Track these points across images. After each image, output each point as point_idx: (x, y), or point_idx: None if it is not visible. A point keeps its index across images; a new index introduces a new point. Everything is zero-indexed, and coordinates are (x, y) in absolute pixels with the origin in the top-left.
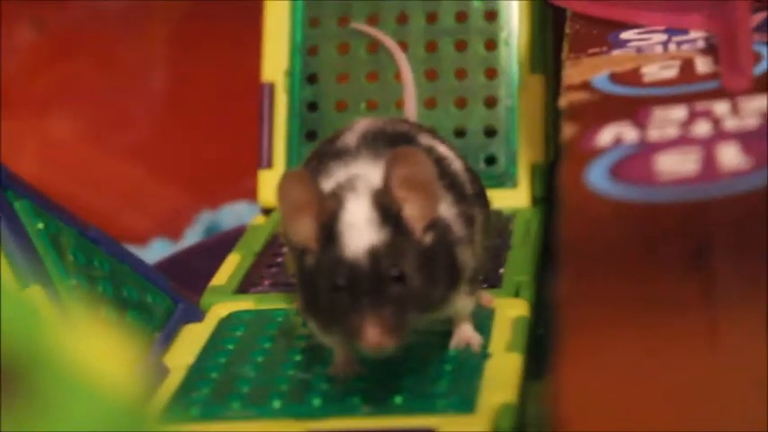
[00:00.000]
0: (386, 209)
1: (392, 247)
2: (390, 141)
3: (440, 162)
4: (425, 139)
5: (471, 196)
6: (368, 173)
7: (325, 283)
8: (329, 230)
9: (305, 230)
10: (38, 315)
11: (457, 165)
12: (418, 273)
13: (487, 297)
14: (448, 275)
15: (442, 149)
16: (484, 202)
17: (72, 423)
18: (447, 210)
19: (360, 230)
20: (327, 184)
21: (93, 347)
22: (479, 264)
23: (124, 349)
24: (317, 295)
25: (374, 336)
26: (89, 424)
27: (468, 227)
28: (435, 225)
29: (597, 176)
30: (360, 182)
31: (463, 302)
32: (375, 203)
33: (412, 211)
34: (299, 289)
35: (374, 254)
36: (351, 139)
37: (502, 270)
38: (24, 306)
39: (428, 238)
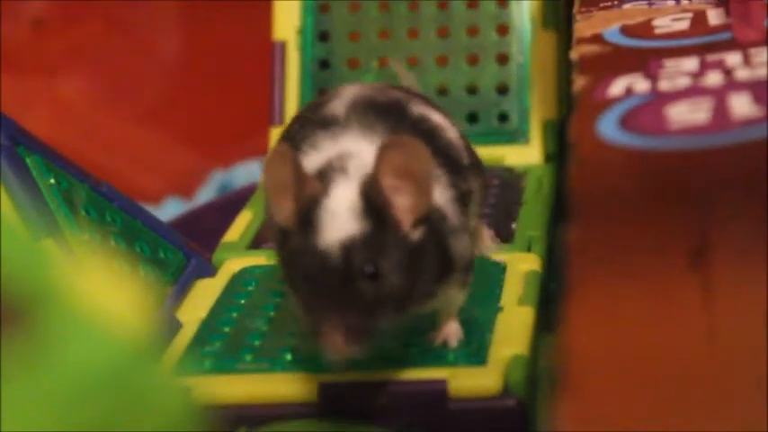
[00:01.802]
0: (373, 199)
1: (371, 240)
2: (382, 111)
3: (434, 132)
4: (418, 107)
5: (468, 167)
6: (360, 150)
7: (300, 270)
8: (308, 215)
9: (286, 211)
10: (47, 256)
11: (452, 133)
12: (398, 270)
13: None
14: (436, 271)
15: (437, 118)
16: (480, 170)
17: (78, 360)
18: (442, 193)
19: (338, 219)
20: (315, 158)
21: (103, 290)
22: (474, 247)
23: (136, 295)
24: (295, 280)
25: (335, 345)
26: (96, 362)
27: (465, 209)
28: (427, 218)
29: (609, 127)
30: (351, 162)
31: (454, 296)
32: (362, 191)
33: (402, 204)
34: (283, 266)
35: (348, 246)
36: (338, 107)
37: (514, 225)
38: (34, 248)
39: (417, 234)
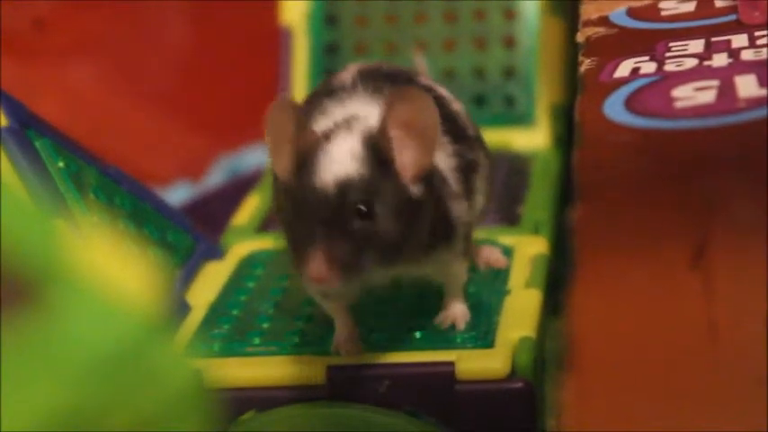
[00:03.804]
0: (375, 148)
1: (368, 182)
2: (389, 77)
3: (440, 101)
4: (424, 80)
5: (473, 139)
6: (367, 114)
7: (293, 207)
8: (306, 160)
9: (285, 161)
10: (58, 234)
11: (457, 106)
12: (392, 216)
13: (497, 256)
14: (433, 230)
15: (441, 90)
16: (484, 145)
17: (89, 337)
18: (445, 160)
19: (337, 161)
20: (322, 123)
21: (114, 269)
22: (477, 217)
23: (146, 274)
24: (288, 218)
25: (317, 272)
26: (106, 339)
27: (471, 178)
28: (427, 176)
29: (615, 107)
30: (356, 122)
31: (454, 267)
32: (365, 140)
33: (405, 157)
34: (280, 220)
35: (344, 184)
36: (346, 77)
37: (521, 208)
38: (45, 227)
39: (417, 189)
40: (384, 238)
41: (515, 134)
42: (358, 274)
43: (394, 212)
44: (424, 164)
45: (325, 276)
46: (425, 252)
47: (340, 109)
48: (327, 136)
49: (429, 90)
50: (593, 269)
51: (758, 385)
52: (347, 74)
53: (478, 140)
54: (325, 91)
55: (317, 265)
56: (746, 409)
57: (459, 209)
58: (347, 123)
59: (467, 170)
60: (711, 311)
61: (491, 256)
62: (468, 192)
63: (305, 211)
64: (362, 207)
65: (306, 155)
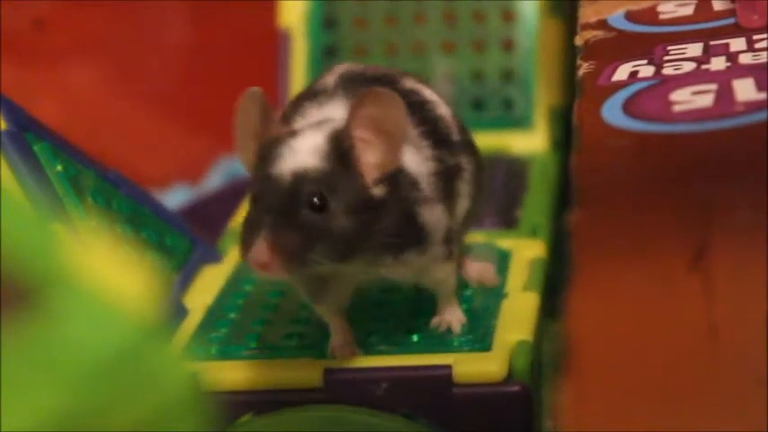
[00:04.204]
0: (339, 146)
1: (326, 177)
2: (371, 82)
3: (423, 105)
4: (409, 83)
5: (458, 143)
6: (342, 117)
7: (250, 200)
8: (269, 152)
9: (250, 152)
10: (56, 238)
11: (443, 110)
12: (349, 214)
13: (490, 274)
14: (403, 233)
15: (428, 93)
16: (473, 150)
17: (88, 340)
18: (422, 163)
19: (298, 154)
20: (300, 124)
21: (112, 272)
22: (463, 220)
23: (144, 278)
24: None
25: (258, 256)
26: (105, 342)
27: (451, 184)
28: (394, 179)
29: (613, 111)
30: (328, 123)
31: (441, 271)
32: (329, 138)
33: (368, 157)
34: None
35: (300, 176)
36: (329, 80)
37: (518, 211)
38: (44, 231)
39: (379, 191)
40: (336, 233)
41: (514, 137)
42: (303, 266)
43: (350, 210)
44: (387, 165)
45: (266, 263)
46: (394, 254)
47: (317, 111)
48: (293, 132)
49: (413, 92)
50: (592, 272)
51: (758, 385)
52: (331, 77)
53: (464, 144)
54: (308, 93)
55: (259, 251)
56: (746, 409)
57: (431, 214)
58: (318, 123)
59: (447, 175)
60: (711, 312)
61: (484, 274)
62: (448, 196)
63: (260, 199)
64: (316, 200)
65: (269, 147)
